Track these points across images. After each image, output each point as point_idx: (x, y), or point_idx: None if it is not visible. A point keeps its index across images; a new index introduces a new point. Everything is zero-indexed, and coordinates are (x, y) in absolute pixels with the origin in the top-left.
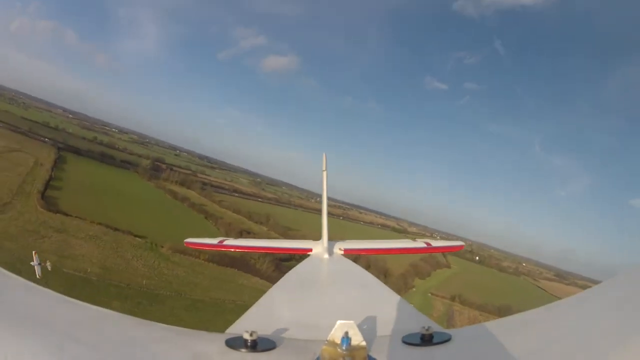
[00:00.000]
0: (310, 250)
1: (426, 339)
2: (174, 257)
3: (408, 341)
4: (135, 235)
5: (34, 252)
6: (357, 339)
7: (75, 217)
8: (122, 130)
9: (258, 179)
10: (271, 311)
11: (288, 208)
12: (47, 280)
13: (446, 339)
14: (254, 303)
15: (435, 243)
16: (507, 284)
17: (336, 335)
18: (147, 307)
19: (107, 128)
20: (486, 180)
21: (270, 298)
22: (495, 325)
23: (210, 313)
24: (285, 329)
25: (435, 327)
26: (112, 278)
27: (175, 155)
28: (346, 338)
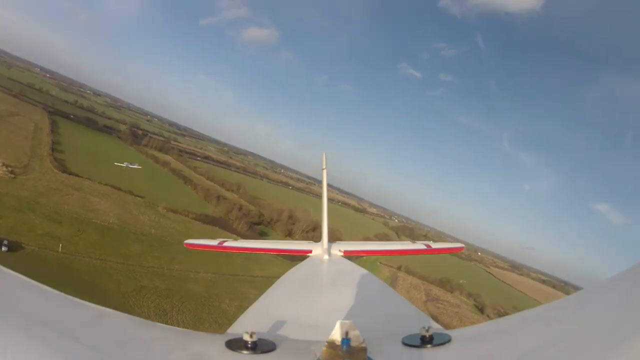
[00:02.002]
0: (310, 251)
1: (426, 340)
2: (168, 214)
3: (408, 342)
4: (135, 195)
5: None
6: (357, 340)
7: (86, 178)
8: (96, 93)
9: (225, 148)
10: (271, 312)
11: (254, 178)
12: (84, 229)
13: (446, 340)
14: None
15: (435, 245)
16: (455, 265)
17: (336, 336)
18: (159, 249)
19: (83, 90)
20: (451, 169)
21: (270, 299)
22: (495, 326)
23: (204, 256)
24: (285, 330)
25: (436, 328)
26: (129, 227)
27: (147, 121)
28: (346, 339)
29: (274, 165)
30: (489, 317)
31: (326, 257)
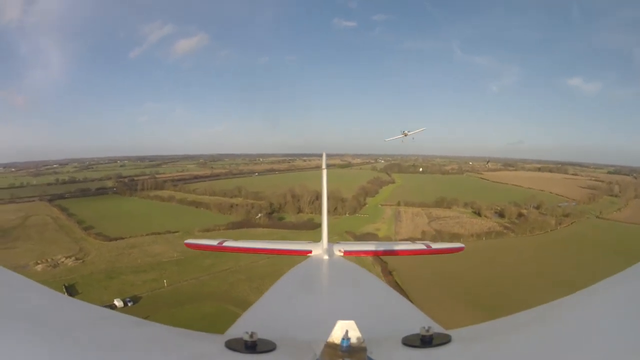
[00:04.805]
0: (310, 252)
1: (426, 340)
2: (205, 235)
3: (408, 342)
4: (173, 232)
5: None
6: (357, 340)
7: (128, 237)
8: (61, 164)
9: (201, 160)
10: (271, 312)
11: (245, 177)
12: (164, 268)
13: (446, 340)
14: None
15: (435, 245)
16: (448, 183)
17: (336, 336)
18: (222, 257)
19: (49, 167)
20: (416, 95)
21: (269, 299)
22: (495, 326)
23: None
24: (285, 330)
25: (436, 328)
26: (190, 254)
27: (121, 166)
28: (346, 339)
29: (252, 158)
30: (487, 217)
31: (326, 257)
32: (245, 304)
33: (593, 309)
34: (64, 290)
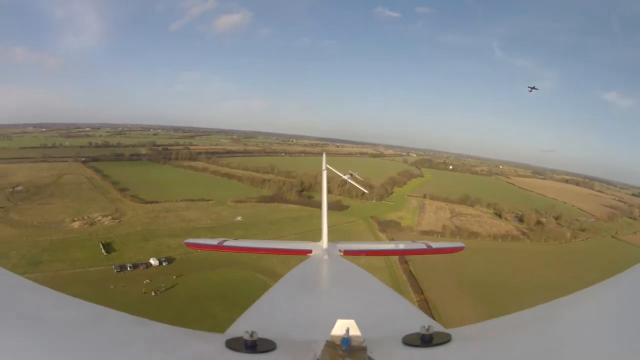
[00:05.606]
0: (310, 251)
1: (426, 339)
2: (237, 205)
3: (408, 341)
4: (207, 200)
5: None
6: (357, 340)
7: (163, 201)
8: (93, 127)
9: (234, 136)
10: (271, 311)
11: (277, 156)
12: (198, 235)
13: (446, 340)
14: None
15: (435, 244)
16: (476, 183)
17: (336, 335)
18: (252, 229)
19: (81, 129)
20: (453, 93)
21: (270, 298)
22: (495, 325)
23: (286, 227)
24: (285, 329)
25: (436, 327)
26: (222, 222)
27: (155, 134)
28: (346, 338)
29: (285, 138)
30: (507, 219)
31: (326, 257)
32: (272, 274)
33: (593, 309)
34: (101, 247)
